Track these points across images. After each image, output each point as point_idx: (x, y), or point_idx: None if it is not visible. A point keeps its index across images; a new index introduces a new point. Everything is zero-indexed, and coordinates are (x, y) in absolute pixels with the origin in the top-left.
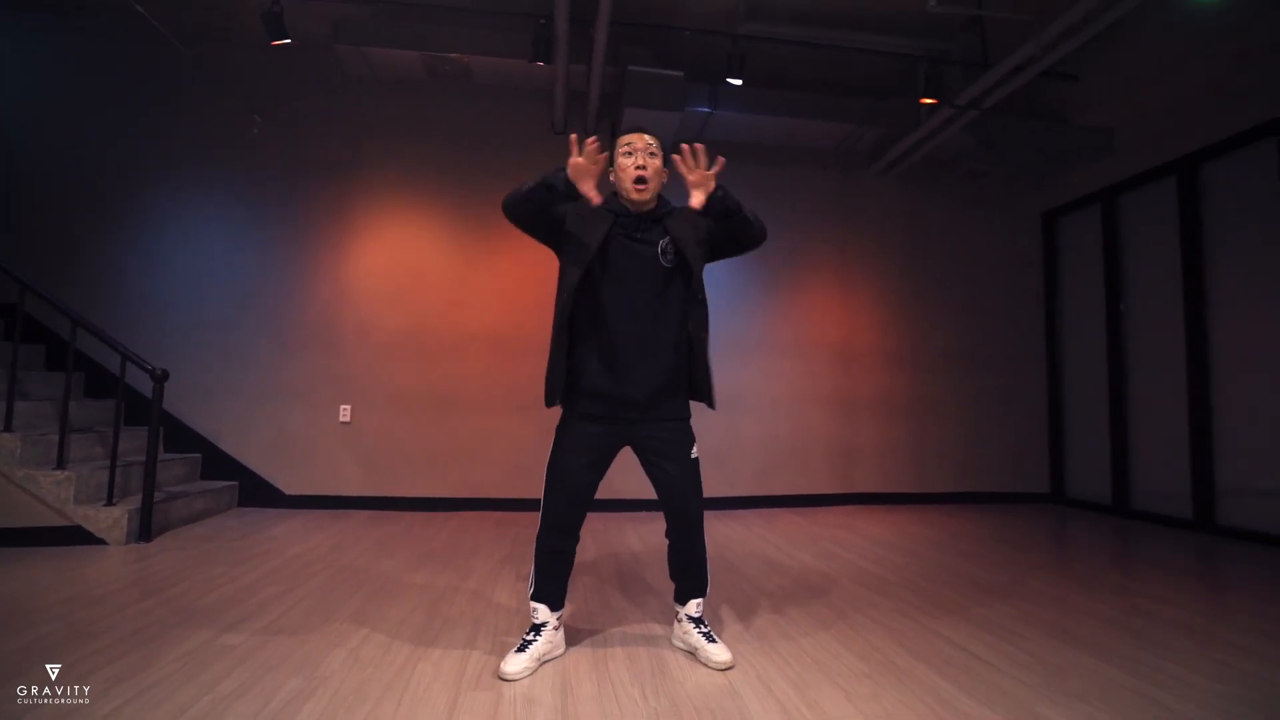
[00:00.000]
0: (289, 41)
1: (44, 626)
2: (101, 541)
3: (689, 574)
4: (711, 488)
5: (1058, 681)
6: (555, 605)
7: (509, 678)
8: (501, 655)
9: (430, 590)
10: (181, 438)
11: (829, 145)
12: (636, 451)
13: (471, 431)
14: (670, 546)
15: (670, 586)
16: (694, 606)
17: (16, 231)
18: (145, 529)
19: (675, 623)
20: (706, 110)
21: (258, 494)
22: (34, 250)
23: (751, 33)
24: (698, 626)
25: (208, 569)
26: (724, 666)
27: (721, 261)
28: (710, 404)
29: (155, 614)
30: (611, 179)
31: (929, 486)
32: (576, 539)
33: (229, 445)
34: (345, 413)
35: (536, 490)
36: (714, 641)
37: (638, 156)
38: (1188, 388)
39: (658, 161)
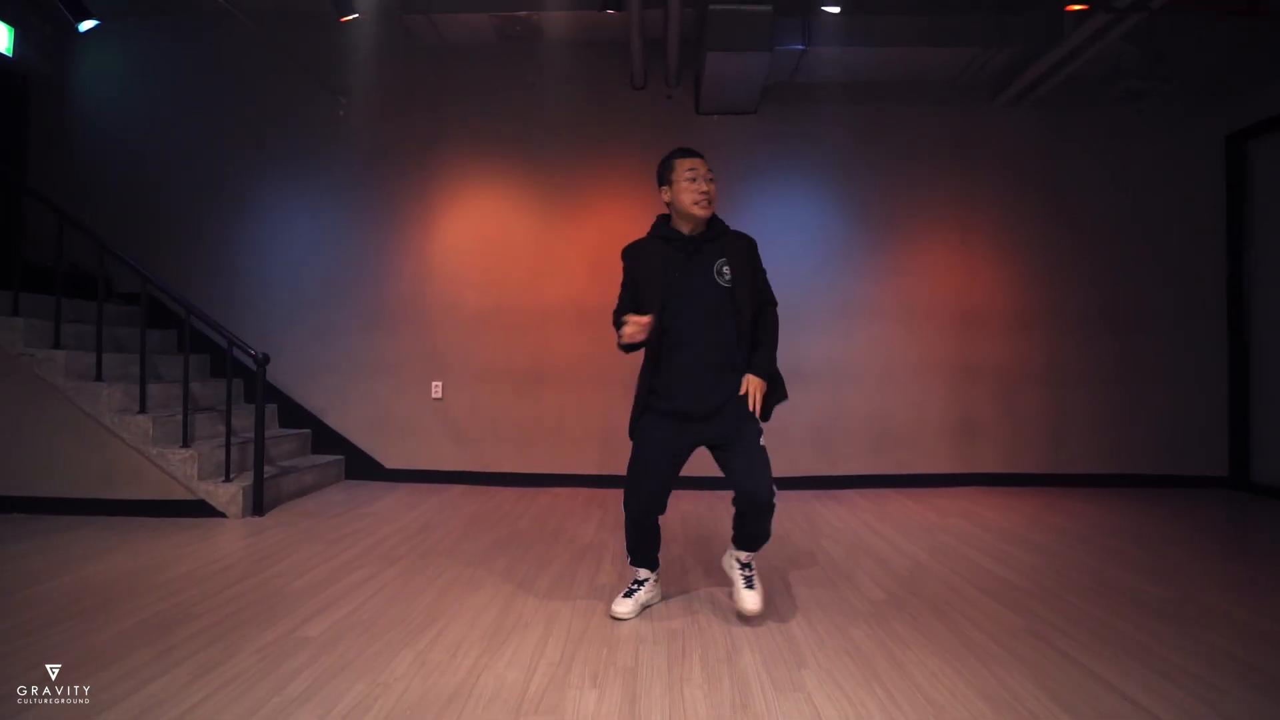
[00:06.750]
0: (356, 16)
1: (156, 605)
2: (222, 515)
3: (744, 538)
4: (812, 465)
5: None
6: (653, 567)
7: (620, 617)
8: (570, 665)
9: (508, 581)
10: (293, 414)
11: (945, 78)
12: (709, 449)
13: (559, 406)
14: (736, 518)
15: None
16: (744, 554)
17: (139, 225)
18: (258, 504)
19: (727, 551)
20: (800, 47)
21: (361, 467)
22: (158, 242)
23: None
24: (743, 570)
25: (306, 548)
26: (748, 614)
27: (820, 219)
28: (783, 395)
29: (249, 598)
30: (665, 198)
31: (1066, 466)
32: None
33: (333, 420)
34: (437, 389)
35: (625, 468)
36: (750, 588)
37: (701, 182)
38: None
39: (714, 186)
